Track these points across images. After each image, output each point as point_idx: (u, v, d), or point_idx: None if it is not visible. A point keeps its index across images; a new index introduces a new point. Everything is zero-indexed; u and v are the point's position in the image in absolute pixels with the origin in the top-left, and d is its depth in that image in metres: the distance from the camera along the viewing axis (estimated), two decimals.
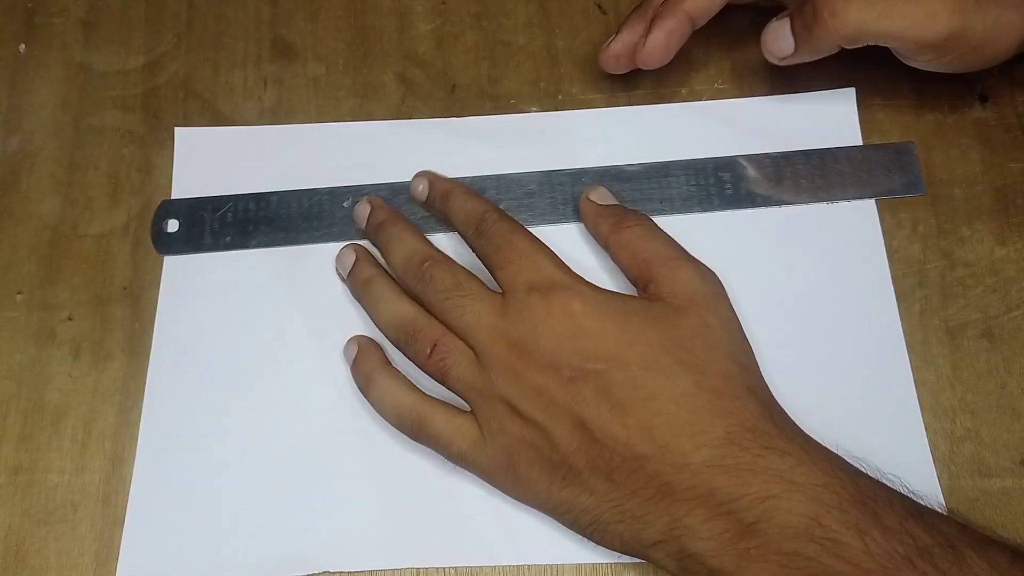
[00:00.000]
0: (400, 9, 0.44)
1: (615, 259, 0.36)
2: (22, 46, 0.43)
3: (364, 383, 0.36)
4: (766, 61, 0.38)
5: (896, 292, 0.37)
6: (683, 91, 0.41)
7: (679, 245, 0.35)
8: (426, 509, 0.34)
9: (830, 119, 0.40)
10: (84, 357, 0.38)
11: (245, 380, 0.37)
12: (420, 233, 0.37)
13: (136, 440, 0.36)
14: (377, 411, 0.35)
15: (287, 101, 0.42)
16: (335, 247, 0.38)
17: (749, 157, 0.39)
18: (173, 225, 0.39)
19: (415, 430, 0.34)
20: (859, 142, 0.40)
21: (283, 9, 0.44)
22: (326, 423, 0.36)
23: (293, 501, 0.35)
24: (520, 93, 0.42)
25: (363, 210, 0.38)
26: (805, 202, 0.39)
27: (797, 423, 0.32)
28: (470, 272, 0.35)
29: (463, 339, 0.34)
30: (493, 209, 0.36)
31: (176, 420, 0.36)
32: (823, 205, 0.39)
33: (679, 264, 0.34)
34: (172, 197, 0.40)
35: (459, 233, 0.37)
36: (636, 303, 0.33)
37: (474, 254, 0.36)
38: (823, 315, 0.37)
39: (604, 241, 0.37)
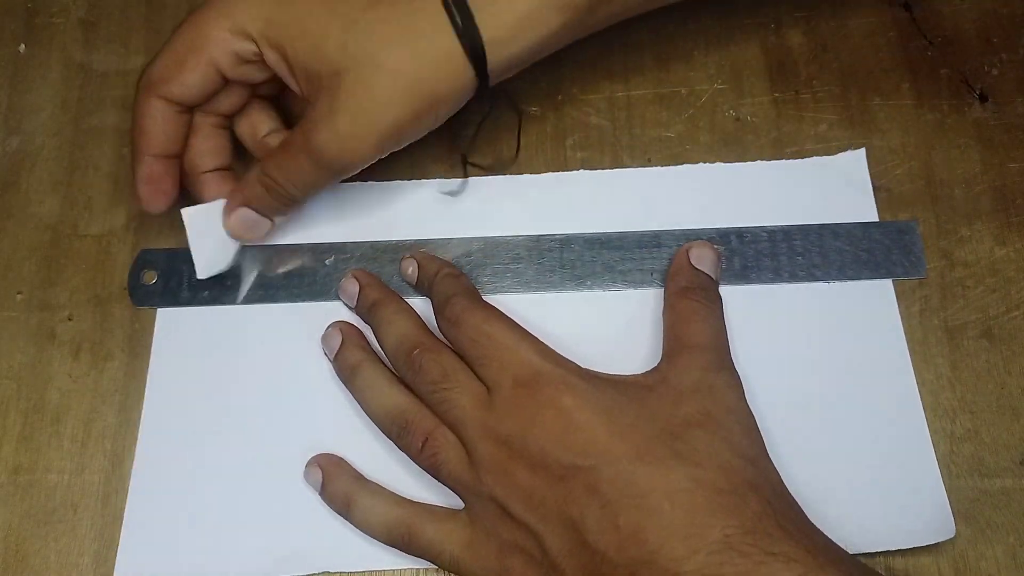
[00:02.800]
0: None
1: (663, 316, 0.36)
2: (22, 46, 0.43)
3: (342, 506, 0.34)
4: (766, 61, 0.38)
5: (896, 292, 0.37)
6: (683, 91, 0.41)
7: (723, 336, 0.34)
8: None
9: (840, 187, 0.39)
10: (84, 357, 0.38)
11: (242, 400, 0.36)
12: (413, 314, 0.36)
13: (136, 439, 0.36)
14: (362, 531, 0.33)
15: None
16: (317, 306, 0.38)
17: (744, 231, 0.38)
18: (151, 277, 0.38)
19: (405, 543, 0.33)
20: (873, 211, 0.38)
21: None
22: (325, 426, 0.36)
23: (293, 501, 0.35)
24: (520, 93, 0.42)
25: (351, 288, 0.37)
26: (801, 281, 0.37)
27: (809, 512, 0.30)
28: (460, 361, 0.33)
29: (454, 432, 0.32)
30: (465, 294, 0.34)
31: (174, 428, 0.36)
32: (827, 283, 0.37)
33: (702, 353, 0.33)
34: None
35: (435, 320, 0.35)
36: (632, 390, 0.32)
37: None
38: (835, 395, 0.35)
39: (666, 295, 0.36)
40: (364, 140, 0.32)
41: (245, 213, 0.36)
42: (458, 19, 0.32)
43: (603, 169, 0.40)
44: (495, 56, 0.32)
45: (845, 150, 0.40)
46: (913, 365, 0.36)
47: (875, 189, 0.39)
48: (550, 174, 0.40)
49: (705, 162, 0.40)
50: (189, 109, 0.35)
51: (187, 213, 0.36)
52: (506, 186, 0.40)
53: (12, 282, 0.39)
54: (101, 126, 0.42)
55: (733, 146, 0.40)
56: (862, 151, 0.39)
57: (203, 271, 0.37)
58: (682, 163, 0.40)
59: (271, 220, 0.36)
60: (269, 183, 0.35)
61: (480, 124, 0.39)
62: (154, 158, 0.35)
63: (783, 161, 0.39)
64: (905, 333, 0.37)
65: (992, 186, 0.39)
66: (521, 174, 0.40)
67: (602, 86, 0.42)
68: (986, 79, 0.41)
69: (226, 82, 0.35)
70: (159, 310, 0.38)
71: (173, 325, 0.38)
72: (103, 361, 0.37)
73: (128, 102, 0.42)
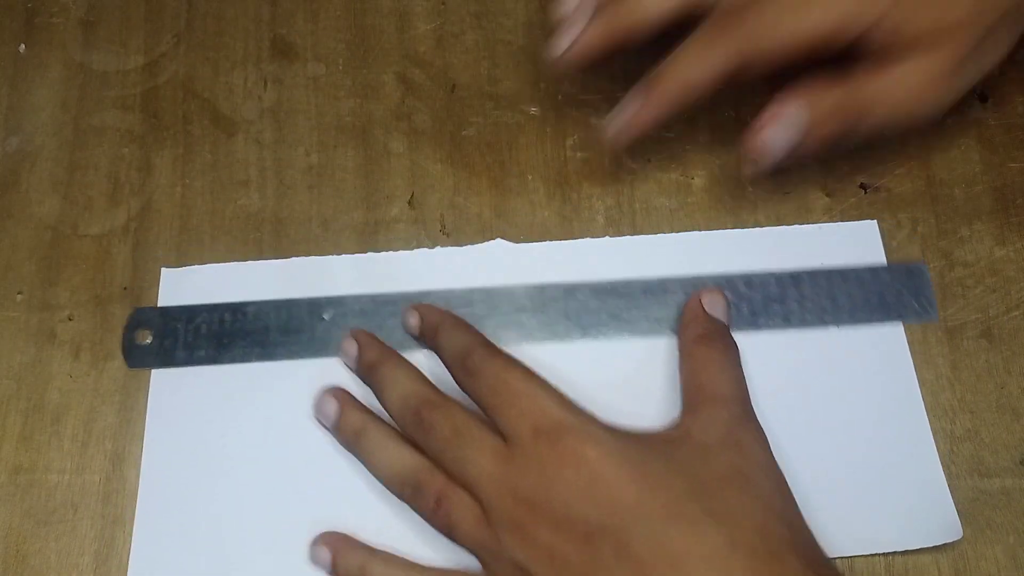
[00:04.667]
0: (400, 9, 0.44)
1: (679, 367, 0.35)
2: (22, 46, 0.43)
3: None
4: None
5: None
6: None
7: (744, 386, 0.33)
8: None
9: (854, 259, 0.38)
10: (84, 357, 0.38)
11: (243, 465, 0.35)
12: (415, 370, 0.34)
13: (138, 439, 0.36)
14: None
15: (287, 101, 0.42)
16: (316, 363, 0.37)
17: (752, 277, 0.37)
18: (144, 336, 0.37)
19: None
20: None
21: (283, 9, 0.44)
22: (330, 489, 0.34)
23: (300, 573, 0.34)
24: (520, 93, 0.42)
25: (351, 349, 0.36)
26: (811, 326, 0.36)
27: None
28: (470, 414, 0.32)
29: (468, 491, 0.30)
30: (481, 344, 0.33)
31: (173, 496, 0.35)
32: (836, 327, 0.37)
33: (726, 405, 0.32)
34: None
35: (449, 372, 0.34)
36: (658, 443, 0.30)
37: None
38: (848, 439, 0.35)
39: (680, 345, 0.35)
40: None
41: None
42: None
43: (604, 238, 0.39)
44: None
45: (847, 147, 0.40)
46: (913, 365, 0.36)
47: (875, 190, 0.39)
48: (549, 243, 0.39)
49: (704, 164, 0.40)
50: None
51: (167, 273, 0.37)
52: (504, 254, 0.39)
53: (12, 282, 0.39)
54: (101, 126, 0.42)
55: (733, 146, 0.40)
56: (874, 224, 0.38)
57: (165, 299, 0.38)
58: (680, 161, 0.40)
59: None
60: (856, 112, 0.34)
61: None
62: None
63: (792, 227, 0.38)
64: (905, 334, 0.37)
65: (992, 186, 0.39)
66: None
67: (602, 86, 0.42)
68: (986, 79, 0.41)
69: None
70: (154, 372, 0.37)
71: (169, 387, 0.36)
72: (103, 361, 0.37)
73: (128, 102, 0.42)
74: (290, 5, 0.44)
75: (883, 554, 0.33)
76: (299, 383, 0.36)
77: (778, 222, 0.39)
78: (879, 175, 0.39)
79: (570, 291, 0.37)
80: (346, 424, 0.34)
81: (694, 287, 0.37)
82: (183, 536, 0.34)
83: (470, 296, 0.37)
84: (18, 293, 0.39)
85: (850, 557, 0.33)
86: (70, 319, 0.38)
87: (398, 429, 0.34)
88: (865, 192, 0.39)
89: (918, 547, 0.33)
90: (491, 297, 0.37)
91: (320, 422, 0.35)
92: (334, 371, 0.36)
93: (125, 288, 0.39)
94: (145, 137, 0.41)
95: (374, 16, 0.44)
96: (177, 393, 0.36)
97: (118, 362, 0.37)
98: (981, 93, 0.41)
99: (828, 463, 0.34)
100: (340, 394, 0.35)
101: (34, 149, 0.41)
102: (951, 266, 0.38)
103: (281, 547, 0.34)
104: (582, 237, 0.39)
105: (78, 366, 0.37)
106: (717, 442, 0.30)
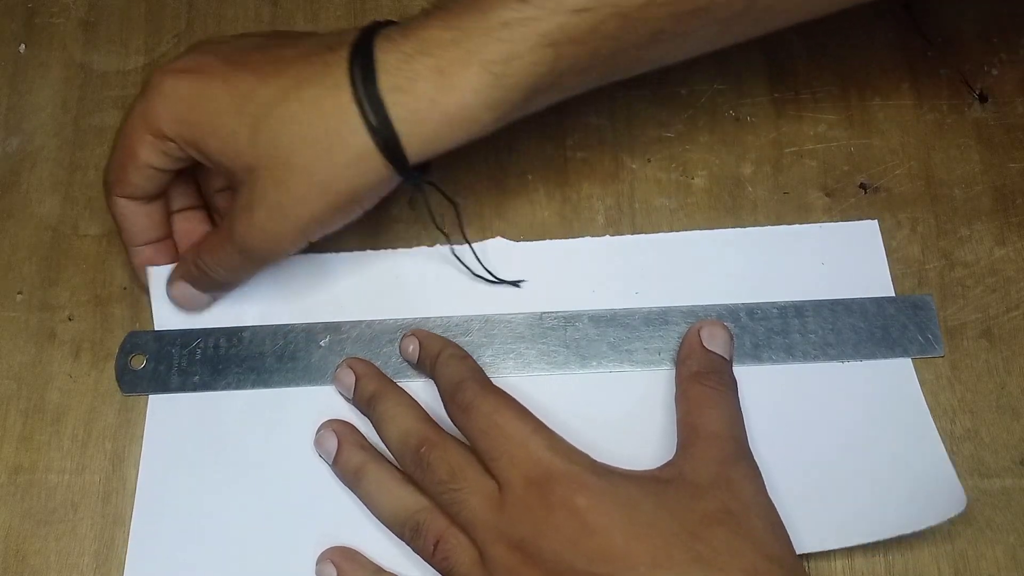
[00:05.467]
0: (400, 9, 0.44)
1: (675, 403, 0.34)
2: (22, 46, 0.43)
3: None
4: (766, 62, 0.38)
5: (896, 292, 0.37)
6: (683, 92, 0.41)
7: (740, 424, 0.33)
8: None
9: (853, 258, 0.37)
10: (84, 357, 0.38)
11: (240, 494, 0.35)
12: (415, 405, 0.34)
13: (138, 439, 0.36)
14: None
15: None
16: (313, 390, 0.36)
17: (755, 308, 0.37)
18: (139, 361, 0.37)
19: None
20: (889, 286, 0.37)
21: (283, 9, 0.44)
22: (329, 517, 0.34)
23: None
24: None
25: (348, 378, 0.36)
26: (815, 360, 0.36)
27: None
28: (467, 455, 0.32)
29: (465, 533, 0.31)
30: (473, 378, 0.33)
31: (167, 524, 0.35)
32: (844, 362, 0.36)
33: (719, 444, 0.31)
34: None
35: (443, 404, 0.33)
36: (649, 485, 0.30)
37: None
38: (857, 477, 0.34)
39: (677, 380, 0.35)
40: (283, 234, 0.32)
41: (183, 287, 0.36)
42: (371, 118, 0.30)
43: (602, 237, 0.38)
44: (416, 152, 0.31)
45: (846, 147, 0.40)
46: (913, 365, 0.36)
47: (875, 190, 0.39)
48: (548, 242, 0.38)
49: (704, 164, 0.40)
50: (154, 199, 0.36)
51: (153, 272, 0.37)
52: (503, 252, 0.38)
53: (12, 282, 0.39)
54: (101, 126, 0.42)
55: (733, 146, 0.40)
56: (875, 223, 0.38)
57: (160, 323, 0.37)
58: (680, 161, 0.40)
59: (208, 294, 0.37)
60: (201, 264, 0.35)
61: (414, 206, 0.39)
62: (141, 247, 0.37)
63: (792, 227, 0.38)
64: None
65: (992, 186, 0.39)
66: (519, 239, 0.39)
67: (602, 86, 0.42)
68: (986, 79, 0.41)
69: (177, 172, 0.35)
70: (150, 397, 0.36)
71: (165, 413, 0.36)
72: (103, 361, 0.37)
73: (128, 102, 0.42)
74: (290, 5, 0.44)
75: (883, 554, 0.33)
76: (296, 411, 0.36)
77: (778, 222, 0.39)
78: (879, 175, 0.39)
79: (569, 320, 0.37)
80: (346, 462, 0.34)
81: (697, 317, 0.36)
82: (178, 565, 0.34)
83: (468, 324, 0.37)
84: (18, 293, 0.39)
85: (851, 554, 0.33)
86: (70, 319, 0.38)
87: (396, 465, 0.34)
88: (865, 192, 0.39)
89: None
90: (489, 325, 0.37)
91: (322, 457, 0.35)
92: (331, 399, 0.36)
93: (125, 288, 0.39)
94: None
95: (374, 16, 0.43)
96: (174, 419, 0.36)
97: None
98: (981, 93, 0.41)
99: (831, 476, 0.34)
100: (340, 429, 0.35)
101: (34, 149, 0.41)
102: (951, 266, 0.38)
103: (277, 573, 0.34)
104: (582, 236, 0.39)
105: (78, 366, 0.37)
106: (708, 482, 0.30)
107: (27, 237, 0.40)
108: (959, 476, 0.34)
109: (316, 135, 0.30)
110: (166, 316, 0.37)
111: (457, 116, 0.30)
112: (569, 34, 0.29)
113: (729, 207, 0.39)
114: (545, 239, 0.39)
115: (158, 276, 0.37)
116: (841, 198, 0.39)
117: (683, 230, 0.39)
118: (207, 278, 0.35)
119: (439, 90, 0.30)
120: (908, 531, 0.32)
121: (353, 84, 0.30)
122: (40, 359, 0.38)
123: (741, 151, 0.40)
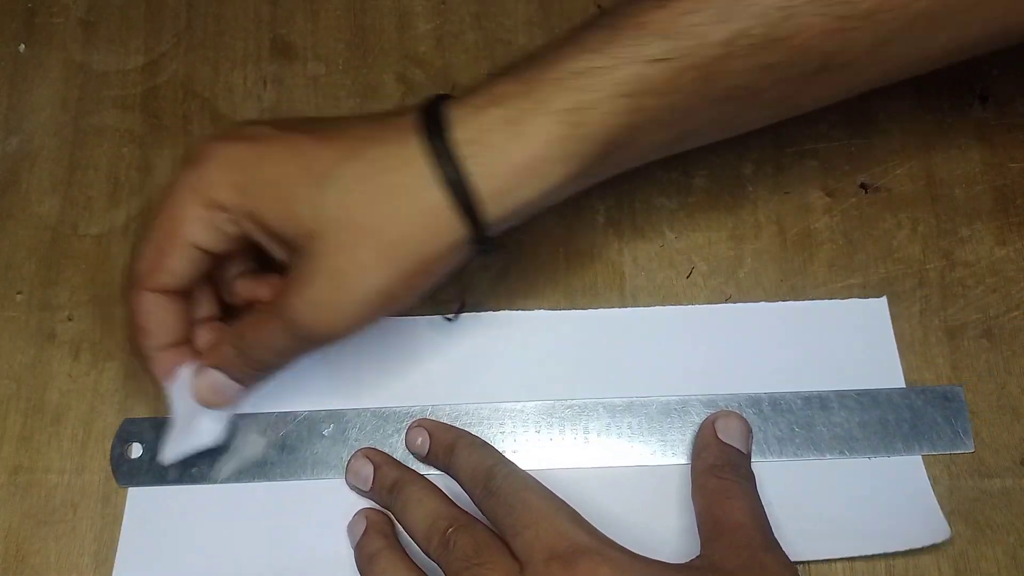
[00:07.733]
0: (400, 9, 0.44)
1: (692, 499, 0.33)
2: (22, 46, 0.43)
3: None
4: None
5: (896, 292, 0.37)
6: None
7: (763, 514, 0.32)
8: None
9: (862, 338, 0.37)
10: (84, 357, 0.38)
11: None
12: (438, 490, 0.33)
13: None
14: None
15: (287, 101, 0.42)
16: (318, 484, 0.35)
17: (778, 398, 0.35)
18: (136, 450, 0.35)
19: None
20: (899, 375, 0.36)
21: (283, 9, 0.44)
22: None
23: None
24: None
25: (365, 469, 0.34)
26: (840, 456, 0.35)
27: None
28: (492, 535, 0.31)
29: None
30: (501, 462, 0.32)
31: None
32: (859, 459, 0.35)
33: (744, 532, 0.30)
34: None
35: (465, 491, 0.32)
36: (676, 571, 0.29)
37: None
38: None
39: (692, 475, 0.34)
40: (343, 309, 0.30)
41: (215, 376, 0.32)
42: (446, 169, 0.28)
43: (609, 308, 0.38)
44: (491, 210, 0.29)
45: (847, 146, 0.40)
46: (913, 365, 0.36)
47: (875, 190, 0.39)
48: (553, 312, 0.38)
49: (704, 164, 0.40)
50: (184, 295, 0.33)
51: (184, 373, 0.33)
52: (508, 325, 0.37)
53: (12, 282, 0.39)
54: (101, 126, 0.42)
55: (733, 146, 0.40)
56: (883, 301, 0.37)
57: (170, 455, 0.34)
58: (681, 160, 0.40)
59: (243, 386, 0.33)
60: (243, 347, 0.32)
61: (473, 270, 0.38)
62: (163, 351, 0.33)
63: (800, 303, 0.37)
64: (906, 334, 0.36)
65: (992, 186, 0.39)
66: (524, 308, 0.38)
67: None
68: (986, 79, 0.41)
69: (216, 260, 0.32)
70: (130, 489, 0.35)
71: (147, 505, 0.34)
72: (103, 361, 0.37)
73: (128, 102, 0.42)
74: (290, 5, 0.44)
75: (884, 555, 0.33)
76: (301, 505, 0.35)
77: (778, 222, 0.39)
78: (879, 175, 0.39)
79: (580, 411, 0.36)
80: (364, 547, 0.33)
81: (716, 407, 0.35)
82: None
83: (478, 412, 0.36)
84: (18, 293, 0.39)
85: (851, 562, 0.33)
86: (70, 319, 0.38)
87: (414, 551, 0.33)
88: (865, 192, 0.39)
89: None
90: (499, 415, 0.36)
91: (349, 539, 0.34)
92: (338, 492, 0.35)
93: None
94: (145, 137, 0.41)
95: (374, 16, 0.44)
96: (157, 515, 0.34)
97: (118, 362, 0.37)
98: (981, 93, 0.41)
99: None
100: (372, 516, 0.34)
101: (34, 149, 0.41)
102: (951, 266, 0.38)
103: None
104: (582, 236, 0.39)
105: (78, 366, 0.37)
106: (741, 567, 0.29)
107: (27, 237, 0.40)
108: (958, 481, 0.34)
109: (386, 192, 0.29)
110: (179, 447, 0.34)
111: (528, 167, 0.29)
112: (646, 85, 0.28)
113: (729, 207, 0.39)
114: (545, 239, 0.39)
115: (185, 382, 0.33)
116: (841, 198, 0.39)
117: (683, 230, 0.39)
118: (247, 365, 0.32)
119: (509, 139, 0.29)
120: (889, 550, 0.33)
121: (424, 137, 0.29)
122: (40, 359, 0.38)
123: (742, 150, 0.40)
